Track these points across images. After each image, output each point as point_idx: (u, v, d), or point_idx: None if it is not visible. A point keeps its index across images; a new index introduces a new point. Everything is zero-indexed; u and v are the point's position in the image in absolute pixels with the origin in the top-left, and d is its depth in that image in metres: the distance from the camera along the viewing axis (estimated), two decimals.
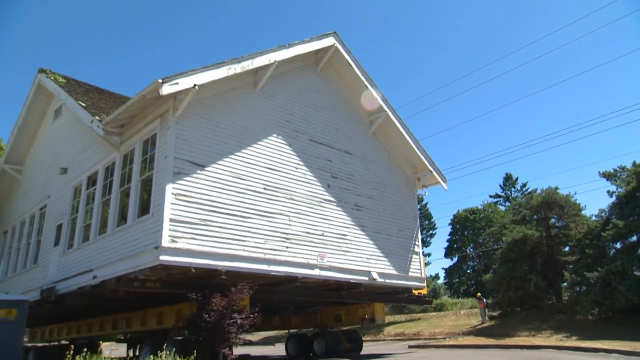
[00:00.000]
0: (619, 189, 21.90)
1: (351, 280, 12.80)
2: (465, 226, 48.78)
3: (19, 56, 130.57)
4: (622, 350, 12.84)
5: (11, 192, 19.28)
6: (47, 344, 19.02)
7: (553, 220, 25.77)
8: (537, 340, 17.71)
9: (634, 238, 19.86)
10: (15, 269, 16.83)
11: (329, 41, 13.84)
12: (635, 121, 78.35)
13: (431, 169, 15.80)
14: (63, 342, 18.00)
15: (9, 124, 63.79)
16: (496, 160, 69.20)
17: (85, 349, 10.36)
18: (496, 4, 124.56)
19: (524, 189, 50.75)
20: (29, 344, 18.91)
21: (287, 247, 11.55)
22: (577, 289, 21.70)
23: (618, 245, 20.61)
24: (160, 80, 9.56)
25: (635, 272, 18.74)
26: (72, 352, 9.26)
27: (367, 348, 17.20)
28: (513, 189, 52.34)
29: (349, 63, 14.40)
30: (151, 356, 8.32)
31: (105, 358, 9.29)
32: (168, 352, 8.15)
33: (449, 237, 50.70)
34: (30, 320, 13.65)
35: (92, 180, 13.10)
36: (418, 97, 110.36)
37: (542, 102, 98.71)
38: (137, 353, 14.20)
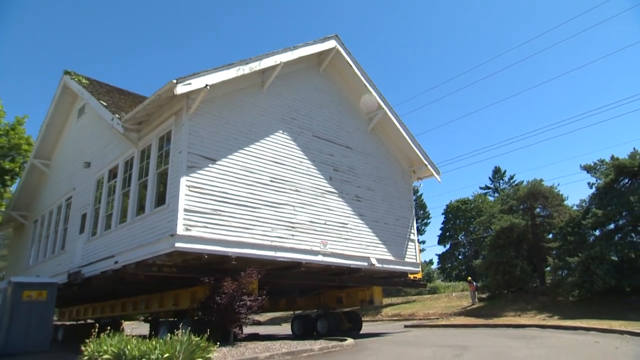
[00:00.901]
0: (599, 181, 21.90)
1: (352, 266, 12.75)
2: (457, 215, 48.74)
3: (43, 58, 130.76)
4: (599, 328, 12.84)
5: (40, 184, 19.31)
6: (74, 322, 19.17)
7: (538, 209, 25.67)
8: (523, 320, 17.67)
9: (612, 226, 19.87)
10: (45, 254, 16.89)
11: (331, 44, 13.69)
12: (614, 118, 77.74)
13: (426, 162, 15.72)
14: (89, 321, 18.18)
15: (36, 121, 64.10)
16: (486, 154, 69.07)
17: (108, 328, 10.40)
18: (486, 9, 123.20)
19: (511, 181, 50.53)
20: (59, 323, 19.04)
21: (293, 235, 11.49)
22: (559, 272, 21.72)
23: (597, 233, 20.60)
24: (175, 81, 9.53)
25: (613, 257, 18.78)
26: (97, 330, 9.30)
27: (367, 328, 17.19)
28: (501, 181, 52.08)
29: (349, 64, 14.25)
30: (168, 334, 8.30)
31: (126, 335, 9.27)
32: (184, 331, 8.10)
33: (442, 225, 50.74)
34: (59, 301, 13.78)
35: (113, 174, 13.05)
36: (414, 96, 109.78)
37: (529, 100, 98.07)
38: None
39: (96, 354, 8.22)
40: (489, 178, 53.34)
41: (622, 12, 56.21)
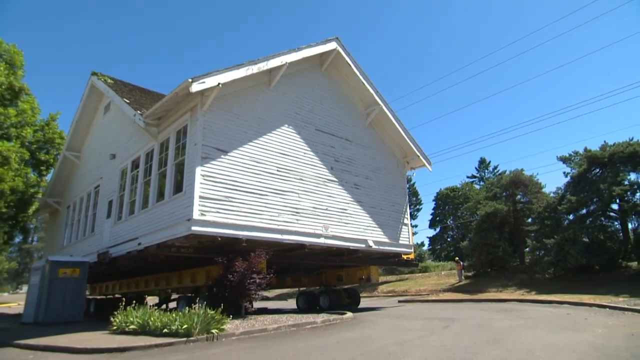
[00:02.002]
0: (573, 171, 21.76)
1: (351, 247, 12.71)
2: (446, 202, 48.51)
3: (70, 57, 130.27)
4: (570, 301, 12.91)
5: (72, 174, 19.32)
6: (104, 297, 19.31)
7: (519, 196, 25.51)
8: (504, 295, 17.66)
9: (584, 211, 19.84)
10: (77, 236, 16.97)
11: (332, 45, 13.47)
12: (587, 113, 77.01)
13: (418, 153, 15.57)
14: (116, 295, 18.30)
15: (66, 117, 64.16)
16: (473, 146, 68.60)
17: (134, 302, 10.46)
18: (476, 13, 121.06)
19: (495, 171, 50.13)
20: (90, 297, 19.19)
21: (297, 220, 11.44)
22: (537, 253, 21.69)
23: (571, 217, 20.55)
24: (190, 80, 9.45)
25: (584, 239, 18.75)
26: (124, 303, 9.34)
27: (364, 303, 17.24)
28: (486, 171, 51.69)
29: (349, 64, 14.04)
30: (187, 308, 8.33)
31: (150, 308, 9.31)
32: (200, 305, 8.12)
33: (432, 211, 50.54)
34: (90, 278, 13.87)
35: (135, 164, 13.00)
36: (408, 92, 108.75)
37: (512, 97, 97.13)
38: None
39: (124, 324, 8.29)
40: (475, 168, 53.08)
41: (597, 16, 55.22)
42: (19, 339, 7.97)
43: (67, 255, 16.14)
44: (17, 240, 24.36)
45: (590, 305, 11.85)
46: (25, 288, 45.13)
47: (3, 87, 19.53)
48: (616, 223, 19.70)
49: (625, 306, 10.68)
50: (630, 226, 19.24)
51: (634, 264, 18.12)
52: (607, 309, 10.95)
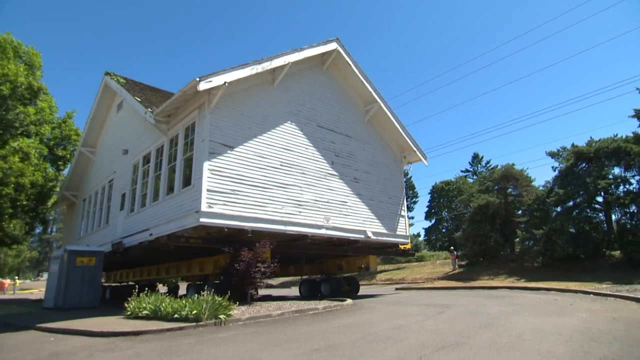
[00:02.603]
0: (561, 165, 21.68)
1: (350, 238, 12.68)
2: (441, 195, 48.36)
3: (84, 57, 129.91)
4: (558, 288, 12.90)
5: (87, 169, 19.32)
6: (118, 284, 19.42)
7: (510, 189, 25.40)
8: (495, 283, 17.63)
9: (571, 203, 19.76)
10: (92, 227, 17.01)
11: (332, 46, 13.32)
12: (575, 111, 76.61)
13: (415, 149, 15.47)
14: (130, 283, 18.37)
15: (82, 115, 64.05)
16: (466, 142, 68.14)
17: (146, 289, 10.47)
18: (469, 15, 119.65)
19: (488, 165, 49.92)
20: (106, 284, 19.30)
21: (300, 212, 11.40)
22: (526, 243, 21.65)
23: (558, 209, 20.46)
24: (198, 79, 9.37)
25: (571, 230, 18.71)
26: (137, 290, 9.36)
27: (363, 290, 17.27)
28: (479, 165, 51.45)
29: (349, 63, 13.90)
30: (196, 295, 8.34)
31: (161, 295, 9.33)
32: (208, 292, 8.13)
33: (428, 203, 50.36)
34: (105, 266, 13.93)
35: (146, 159, 12.97)
36: (406, 91, 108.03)
37: (504, 95, 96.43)
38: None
39: (137, 310, 8.32)
40: (469, 162, 52.78)
41: (584, 19, 54.49)
42: (41, 323, 8.06)
43: (84, 245, 16.19)
44: (37, 231, 24.57)
45: (576, 291, 11.84)
46: (45, 275, 45.52)
47: (23, 87, 19.52)
48: (601, 214, 19.66)
49: (608, 292, 10.68)
50: (613, 217, 19.22)
51: (617, 253, 18.11)
52: (592, 295, 10.94)
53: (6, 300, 19.27)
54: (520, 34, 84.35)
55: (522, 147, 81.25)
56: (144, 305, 8.31)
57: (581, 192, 19.13)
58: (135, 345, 5.65)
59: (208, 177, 9.57)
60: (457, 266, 24.87)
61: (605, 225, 19.19)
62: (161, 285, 20.47)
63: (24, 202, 18.47)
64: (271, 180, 10.90)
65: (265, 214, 10.48)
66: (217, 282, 10.89)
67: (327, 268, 16.03)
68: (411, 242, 16.86)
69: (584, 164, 20.13)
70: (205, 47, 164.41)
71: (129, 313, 8.41)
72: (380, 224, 13.88)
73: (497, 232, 23.68)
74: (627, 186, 18.46)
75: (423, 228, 54.38)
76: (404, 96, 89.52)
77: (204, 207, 9.27)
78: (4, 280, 36.62)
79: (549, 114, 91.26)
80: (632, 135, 18.40)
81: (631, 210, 18.10)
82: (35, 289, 36.46)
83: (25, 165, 18.01)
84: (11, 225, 18.87)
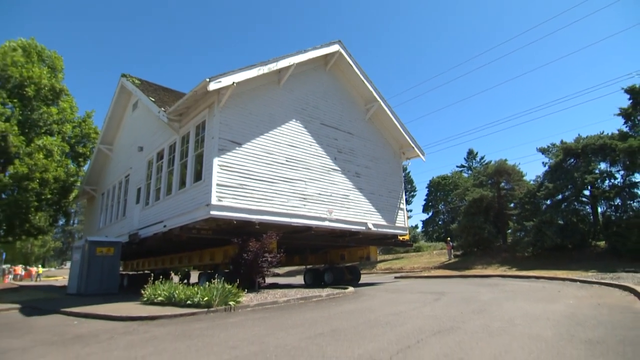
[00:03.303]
0: (551, 161, 21.47)
1: (352, 229, 12.65)
2: (438, 189, 48.14)
3: (101, 59, 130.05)
4: (547, 276, 12.85)
5: (105, 165, 19.42)
6: (135, 272, 19.56)
7: (503, 184, 25.18)
8: (488, 271, 17.55)
9: (560, 196, 19.61)
10: (110, 219, 17.13)
11: (335, 47, 13.19)
12: (564, 109, 75.96)
13: (413, 145, 15.36)
14: (146, 271, 18.48)
15: (100, 114, 64.37)
16: (462, 138, 67.58)
17: (161, 277, 10.53)
18: (466, 18, 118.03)
19: (482, 161, 49.50)
20: (124, 272, 19.45)
21: (304, 205, 11.38)
22: (518, 234, 21.56)
23: (548, 202, 20.30)
24: (208, 79, 9.32)
25: (559, 221, 18.58)
26: (152, 278, 9.41)
27: (364, 279, 17.27)
28: (474, 161, 51.04)
29: (351, 64, 13.77)
30: (207, 283, 8.37)
31: (174, 283, 9.40)
32: (219, 280, 8.14)
33: (425, 197, 50.16)
34: (123, 256, 14.01)
35: (160, 156, 12.97)
36: (405, 90, 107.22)
37: (497, 94, 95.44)
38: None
39: (152, 296, 8.36)
40: (464, 158, 52.39)
41: (575, 21, 53.57)
42: (65, 307, 8.16)
43: (103, 236, 16.32)
44: (60, 222, 24.80)
45: (563, 279, 11.77)
46: (68, 264, 45.97)
47: (46, 88, 19.63)
48: (587, 207, 19.54)
49: (594, 280, 10.60)
50: (599, 210, 19.12)
51: (602, 243, 18.04)
52: (578, 282, 10.87)
53: (33, 287, 19.54)
54: (514, 37, 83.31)
55: (515, 143, 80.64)
56: (159, 292, 8.35)
57: (569, 186, 19.07)
58: (152, 329, 5.68)
59: (218, 172, 9.55)
60: (452, 256, 24.80)
61: (591, 217, 19.11)
62: (174, 273, 20.58)
63: (48, 196, 18.63)
64: (277, 175, 10.87)
65: (272, 207, 10.46)
66: (226, 270, 10.91)
67: (330, 258, 16.03)
68: (409, 234, 16.82)
69: (572, 160, 20.00)
70: (214, 50, 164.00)
71: (145, 299, 8.46)
72: (381, 217, 13.84)
73: (491, 224, 23.56)
74: (612, 180, 18.46)
75: (421, 220, 54.28)
76: (403, 95, 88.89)
77: (214, 201, 9.27)
78: (31, 268, 37.20)
79: (540, 112, 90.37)
80: (617, 132, 18.45)
81: (616, 203, 18.08)
82: (59, 276, 36.94)
83: (48, 162, 18.14)
84: (37, 217, 19.05)
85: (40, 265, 44.36)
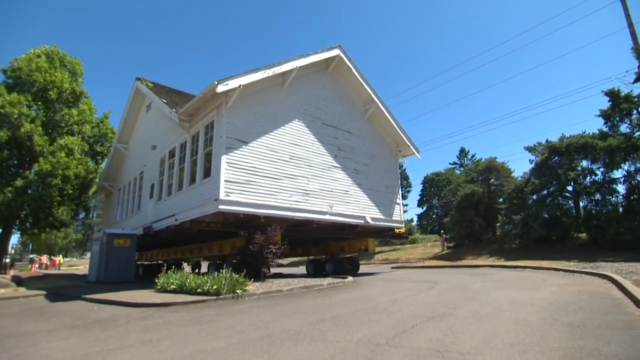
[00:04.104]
0: (537, 158, 21.52)
1: (351, 223, 12.63)
2: (432, 184, 48.05)
3: (117, 63, 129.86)
4: (532, 266, 12.86)
5: (121, 162, 19.44)
6: (149, 262, 19.65)
7: (492, 180, 25.07)
8: (478, 262, 17.56)
9: (545, 192, 19.66)
10: (126, 213, 17.18)
11: (335, 52, 13.10)
12: (550, 110, 75.70)
13: (409, 143, 15.27)
14: (159, 261, 18.57)
15: (116, 115, 64.38)
16: (454, 137, 67.28)
17: (173, 266, 10.56)
18: (460, 22, 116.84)
19: (473, 158, 49.31)
20: (139, 262, 19.53)
21: (307, 200, 11.37)
22: (506, 227, 21.49)
23: (534, 197, 20.31)
24: (216, 82, 9.27)
25: (544, 215, 18.60)
26: (165, 268, 9.44)
27: (363, 269, 17.30)
28: (466, 158, 50.86)
29: (350, 68, 13.67)
30: (216, 272, 8.40)
31: (186, 272, 9.43)
32: (227, 270, 8.17)
33: (420, 192, 50.12)
34: (138, 247, 14.04)
35: (171, 154, 12.96)
36: (401, 91, 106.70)
37: (488, 96, 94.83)
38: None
39: (165, 284, 8.39)
40: (457, 156, 52.21)
41: (559, 28, 52.96)
42: (86, 294, 8.23)
43: (120, 228, 16.38)
44: (81, 216, 24.94)
45: (548, 269, 11.76)
46: (89, 254, 46.33)
47: (67, 92, 19.73)
48: (570, 202, 19.55)
49: (575, 269, 10.60)
50: (581, 204, 19.13)
51: (583, 235, 18.07)
52: (561, 271, 10.86)
53: (57, 275, 19.72)
54: (505, 41, 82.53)
55: (504, 142, 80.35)
56: (172, 280, 8.39)
57: (554, 182, 19.11)
58: (165, 314, 5.71)
59: (225, 169, 9.54)
60: (445, 248, 24.80)
61: (573, 211, 19.13)
62: (186, 263, 20.64)
63: (70, 192, 18.74)
64: (281, 171, 10.85)
65: (276, 202, 10.45)
66: (234, 261, 10.93)
67: (331, 249, 16.04)
68: (405, 227, 16.78)
69: (556, 158, 19.98)
70: (222, 54, 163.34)
71: (159, 287, 8.50)
72: (378, 211, 13.81)
73: (481, 217, 23.54)
74: (593, 177, 18.49)
75: (416, 214, 54.16)
76: (400, 96, 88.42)
77: (222, 196, 9.27)
78: (55, 258, 37.52)
79: (527, 113, 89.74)
80: (598, 132, 18.56)
81: (596, 198, 18.16)
82: (80, 265, 37.23)
83: (70, 160, 18.22)
84: (59, 211, 19.20)
85: (61, 255, 44.68)
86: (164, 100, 12.82)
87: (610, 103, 17.72)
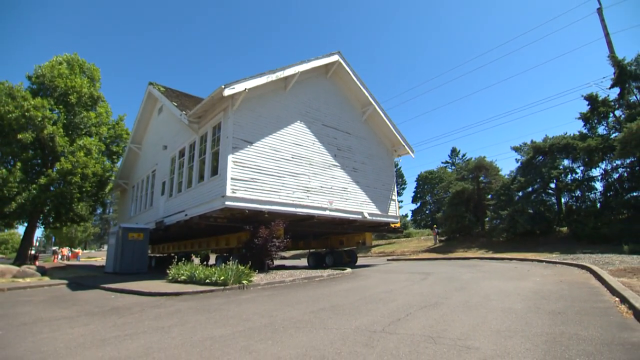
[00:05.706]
0: (522, 158, 21.51)
1: (350, 218, 12.63)
2: (426, 182, 47.88)
3: (131, 67, 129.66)
4: (518, 258, 12.85)
5: (135, 161, 19.45)
6: (161, 255, 19.70)
7: (482, 178, 25.01)
8: (468, 254, 17.54)
9: (530, 189, 19.62)
10: (140, 209, 17.19)
11: (335, 58, 13.04)
12: (535, 113, 75.41)
13: (404, 143, 15.23)
14: (170, 254, 18.60)
15: (130, 117, 64.25)
16: (446, 138, 67.04)
17: (183, 259, 10.57)
18: (455, 27, 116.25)
19: (464, 157, 49.09)
20: (151, 255, 19.59)
21: (308, 196, 11.36)
22: (494, 222, 21.60)
23: (520, 194, 20.33)
24: (223, 86, 9.25)
25: (529, 211, 18.64)
26: (175, 260, 9.45)
27: (360, 261, 17.29)
28: (457, 158, 50.64)
29: (348, 72, 13.62)
30: (223, 264, 8.41)
31: (195, 264, 9.45)
32: (233, 262, 8.17)
33: (414, 189, 49.95)
34: (150, 241, 14.10)
35: (181, 153, 12.96)
36: (397, 94, 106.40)
37: (478, 99, 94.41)
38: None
39: (176, 275, 8.42)
40: (449, 155, 51.91)
41: (542, 37, 52.64)
42: (103, 284, 8.29)
43: (134, 223, 16.44)
44: (98, 211, 25.04)
45: (532, 260, 11.75)
46: (106, 247, 46.55)
47: (86, 96, 19.86)
48: (553, 198, 19.56)
49: (557, 260, 10.59)
50: (563, 200, 19.17)
51: (565, 229, 18.12)
52: (544, 263, 10.84)
53: (77, 266, 19.87)
54: (494, 47, 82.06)
55: (493, 142, 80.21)
56: (182, 272, 8.41)
57: (538, 180, 19.13)
58: (176, 303, 5.72)
59: (232, 167, 9.53)
60: (438, 241, 24.78)
61: (556, 207, 19.17)
62: (195, 256, 20.68)
63: (88, 189, 18.86)
64: (284, 170, 10.84)
65: (279, 198, 10.45)
66: (240, 254, 10.96)
67: (331, 243, 16.05)
68: (400, 222, 16.77)
69: (540, 157, 19.98)
70: (229, 59, 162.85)
71: (170, 278, 8.52)
72: (375, 207, 13.80)
73: (471, 213, 23.51)
74: (573, 175, 18.58)
75: (410, 210, 54.10)
76: (396, 99, 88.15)
77: (228, 193, 9.27)
78: (76, 250, 37.69)
79: (515, 115, 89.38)
80: (578, 133, 18.68)
81: (576, 195, 18.22)
82: (98, 257, 37.40)
83: (88, 159, 18.31)
84: (79, 207, 19.30)
85: (79, 248, 44.84)
86: (175, 104, 12.81)
87: (589, 107, 17.89)
